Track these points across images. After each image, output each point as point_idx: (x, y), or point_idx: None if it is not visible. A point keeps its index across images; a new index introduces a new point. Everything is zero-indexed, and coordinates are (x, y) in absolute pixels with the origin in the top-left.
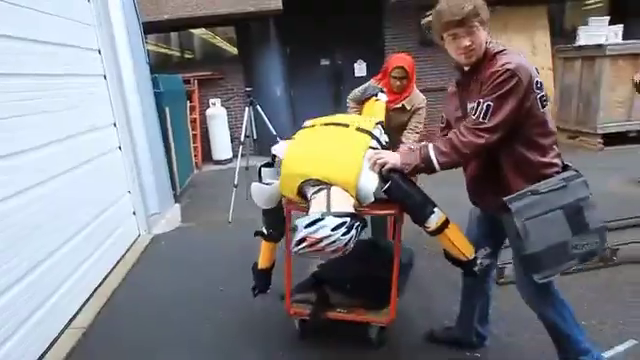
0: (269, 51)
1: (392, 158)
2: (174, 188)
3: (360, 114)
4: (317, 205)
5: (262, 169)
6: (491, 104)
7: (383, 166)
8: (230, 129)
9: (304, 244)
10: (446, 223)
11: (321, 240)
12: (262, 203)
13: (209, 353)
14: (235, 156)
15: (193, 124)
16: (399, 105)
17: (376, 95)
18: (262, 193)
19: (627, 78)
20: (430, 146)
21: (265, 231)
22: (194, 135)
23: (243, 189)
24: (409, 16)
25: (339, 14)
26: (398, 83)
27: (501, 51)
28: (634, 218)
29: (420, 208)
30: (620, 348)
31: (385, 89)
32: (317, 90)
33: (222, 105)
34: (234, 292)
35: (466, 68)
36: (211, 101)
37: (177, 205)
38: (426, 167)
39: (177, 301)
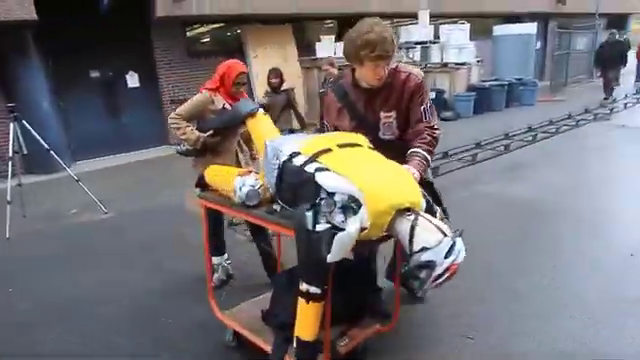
0: (28, 63)
1: (415, 171)
2: None
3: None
4: (426, 233)
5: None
6: (430, 106)
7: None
8: None
9: (448, 274)
10: None
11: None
12: (346, 253)
13: None
14: (1, 176)
15: None
16: None
17: (258, 110)
18: (351, 242)
19: None
20: (422, 152)
21: (320, 290)
22: None
23: (17, 206)
24: (175, 29)
25: (105, 27)
26: (241, 89)
27: (396, 66)
28: None
29: (431, 208)
30: None
31: (221, 97)
32: (90, 102)
33: None
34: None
35: (367, 86)
36: None
37: None
38: (426, 168)
39: None
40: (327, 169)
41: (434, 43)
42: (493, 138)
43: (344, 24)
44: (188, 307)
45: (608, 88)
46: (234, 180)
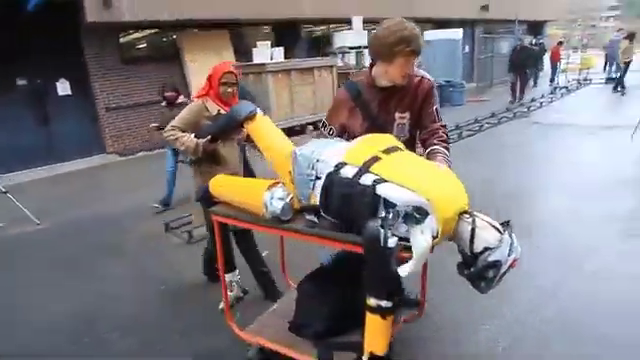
0: None
1: (447, 168)
2: None
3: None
4: (484, 233)
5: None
6: (438, 107)
7: None
8: None
9: (509, 269)
10: None
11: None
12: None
13: None
14: None
15: None
16: None
17: (257, 112)
18: (427, 252)
19: (286, 87)
20: (443, 149)
21: (392, 303)
22: None
23: None
24: (108, 35)
25: (32, 32)
26: (229, 90)
27: None
28: None
29: None
30: None
31: (213, 102)
32: (18, 112)
33: None
34: None
35: (385, 84)
36: None
37: None
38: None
39: None
40: (385, 180)
41: (367, 48)
42: None
43: (280, 29)
44: (138, 326)
45: (514, 91)
46: (264, 193)
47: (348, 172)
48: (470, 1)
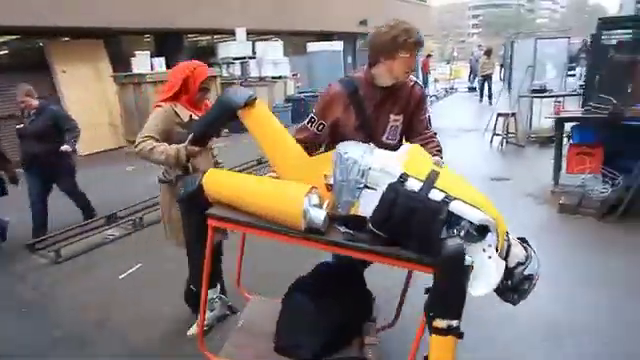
0: None
1: None
2: None
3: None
4: (516, 249)
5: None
6: (430, 115)
7: None
8: None
9: (536, 282)
10: None
11: None
12: None
13: None
14: None
15: None
16: None
17: (256, 97)
18: None
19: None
20: (440, 159)
21: (460, 321)
22: None
23: None
24: None
25: None
26: (207, 96)
27: None
28: None
29: None
30: (129, 270)
31: (183, 106)
32: None
33: None
34: None
35: (385, 85)
36: None
37: None
38: None
39: None
40: (454, 197)
41: (252, 59)
42: None
43: (162, 39)
44: None
45: None
46: (303, 199)
47: (414, 185)
48: (350, 16)
